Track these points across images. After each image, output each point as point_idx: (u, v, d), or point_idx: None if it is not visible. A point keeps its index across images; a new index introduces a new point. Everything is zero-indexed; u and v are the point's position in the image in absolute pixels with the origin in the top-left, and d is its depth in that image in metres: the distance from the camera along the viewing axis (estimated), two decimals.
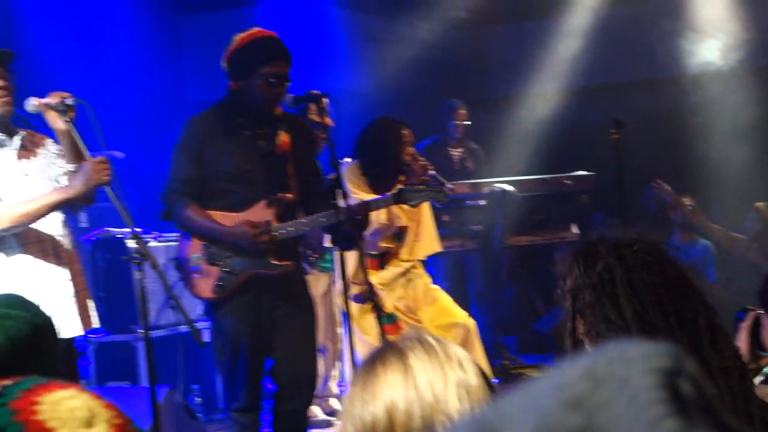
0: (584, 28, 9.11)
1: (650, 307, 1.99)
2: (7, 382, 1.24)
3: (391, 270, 5.59)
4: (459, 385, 1.51)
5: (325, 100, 4.95)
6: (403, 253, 5.64)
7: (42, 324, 2.04)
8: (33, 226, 4.02)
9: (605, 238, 2.13)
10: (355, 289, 5.27)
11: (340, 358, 6.19)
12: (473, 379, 1.53)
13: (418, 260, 5.73)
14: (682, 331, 1.95)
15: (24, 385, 1.23)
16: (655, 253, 2.08)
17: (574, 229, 7.43)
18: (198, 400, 6.09)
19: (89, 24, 8.11)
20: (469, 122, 7.81)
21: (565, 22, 9.17)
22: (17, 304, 2.07)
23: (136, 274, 3.93)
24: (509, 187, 7.17)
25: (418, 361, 1.52)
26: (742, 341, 3.43)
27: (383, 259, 5.60)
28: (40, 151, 4.21)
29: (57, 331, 2.15)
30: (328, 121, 5.05)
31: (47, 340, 2.04)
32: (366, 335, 5.37)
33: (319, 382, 5.48)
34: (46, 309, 3.86)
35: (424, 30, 9.12)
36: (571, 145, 8.67)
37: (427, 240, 5.72)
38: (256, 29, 4.64)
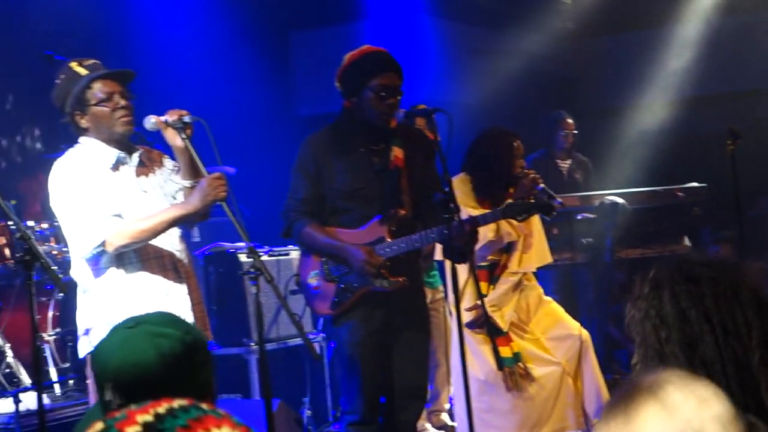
0: (695, 38, 8.96)
1: (694, 317, 1.97)
2: (158, 409, 1.23)
3: (501, 287, 5.53)
4: (715, 420, 1.56)
5: (433, 115, 4.95)
6: (513, 265, 5.58)
7: (193, 341, 2.06)
8: (152, 241, 4.06)
9: (674, 257, 2.11)
10: (468, 316, 5.25)
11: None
12: (726, 413, 1.58)
13: (531, 271, 5.67)
14: (728, 342, 1.93)
15: (180, 419, 1.21)
16: (717, 270, 2.04)
17: (687, 242, 7.29)
18: (308, 412, 6.11)
19: (201, 41, 8.27)
20: (576, 132, 7.70)
21: (676, 31, 9.03)
22: (169, 322, 2.10)
23: (252, 289, 3.95)
24: (620, 200, 7.07)
25: (672, 398, 1.59)
26: None
27: (493, 271, 5.56)
28: (157, 167, 4.26)
29: (208, 347, 2.16)
30: (436, 135, 5.04)
31: (199, 357, 2.05)
32: (480, 346, 5.35)
33: (431, 395, 5.48)
34: None
35: (530, 41, 9.07)
36: (683, 156, 8.53)
37: (537, 251, 5.63)
38: (365, 46, 4.67)
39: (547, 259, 5.75)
